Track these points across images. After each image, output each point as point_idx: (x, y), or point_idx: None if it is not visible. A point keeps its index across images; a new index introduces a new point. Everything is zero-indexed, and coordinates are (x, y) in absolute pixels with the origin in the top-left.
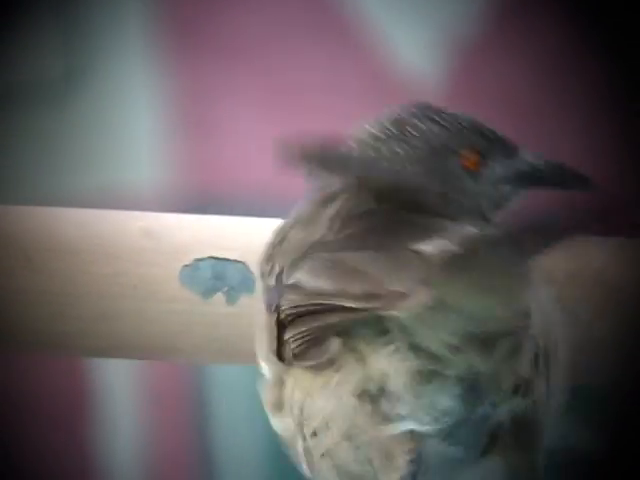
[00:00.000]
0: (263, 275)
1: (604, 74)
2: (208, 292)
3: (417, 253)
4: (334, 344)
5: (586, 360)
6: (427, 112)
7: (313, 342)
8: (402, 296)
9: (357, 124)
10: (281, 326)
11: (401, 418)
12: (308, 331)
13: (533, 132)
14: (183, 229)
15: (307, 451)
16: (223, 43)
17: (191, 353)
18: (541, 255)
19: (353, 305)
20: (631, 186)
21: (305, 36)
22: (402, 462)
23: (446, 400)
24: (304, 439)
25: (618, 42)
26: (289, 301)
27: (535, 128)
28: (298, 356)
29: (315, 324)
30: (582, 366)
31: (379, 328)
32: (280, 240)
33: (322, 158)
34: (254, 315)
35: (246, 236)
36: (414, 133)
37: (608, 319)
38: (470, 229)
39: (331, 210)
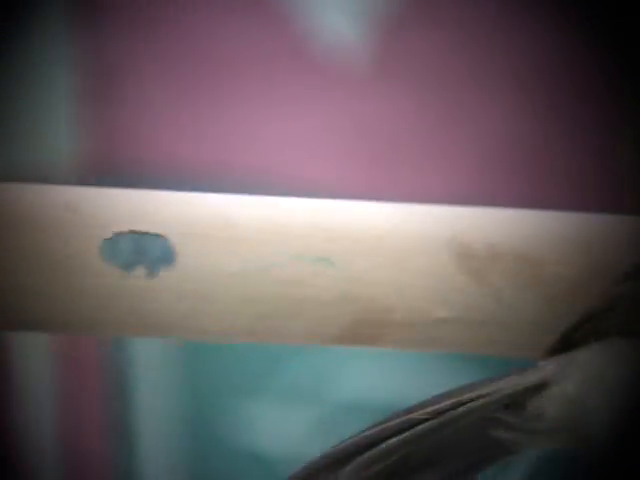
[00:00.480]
0: None
1: (530, 45)
2: (128, 266)
3: None
4: None
5: (509, 336)
6: None
7: None
8: None
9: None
10: None
11: None
12: None
13: (458, 102)
14: (103, 203)
15: None
16: (136, 14)
17: (112, 327)
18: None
19: None
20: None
21: (219, 5)
22: None
23: None
24: None
25: (542, 17)
26: None
27: (460, 97)
28: None
29: None
30: (505, 341)
31: None
32: None
33: None
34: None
35: (166, 210)
36: None
37: (530, 295)
38: None
39: None
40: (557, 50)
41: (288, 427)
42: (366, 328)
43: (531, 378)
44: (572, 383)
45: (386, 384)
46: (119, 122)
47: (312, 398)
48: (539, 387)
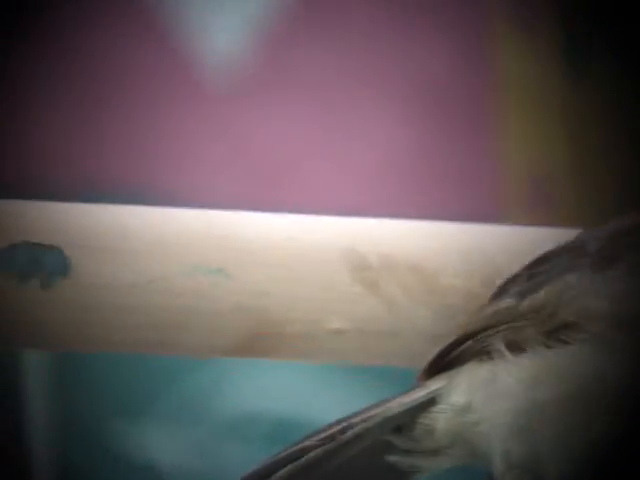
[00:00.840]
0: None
1: (418, 59)
2: (23, 277)
3: None
4: None
5: (404, 346)
6: None
7: None
8: None
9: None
10: None
11: None
12: None
13: (343, 115)
14: None
15: None
16: (37, 33)
17: (6, 338)
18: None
19: None
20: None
21: (107, 23)
22: None
23: None
24: None
25: (423, 29)
26: None
27: (343, 110)
28: None
29: None
30: (400, 352)
31: None
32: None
33: None
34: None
35: (61, 221)
36: None
37: (425, 306)
38: None
39: None
40: (443, 63)
41: (178, 441)
42: (261, 340)
43: (418, 397)
44: (459, 394)
45: (282, 396)
46: (14, 137)
47: (203, 412)
48: (427, 405)
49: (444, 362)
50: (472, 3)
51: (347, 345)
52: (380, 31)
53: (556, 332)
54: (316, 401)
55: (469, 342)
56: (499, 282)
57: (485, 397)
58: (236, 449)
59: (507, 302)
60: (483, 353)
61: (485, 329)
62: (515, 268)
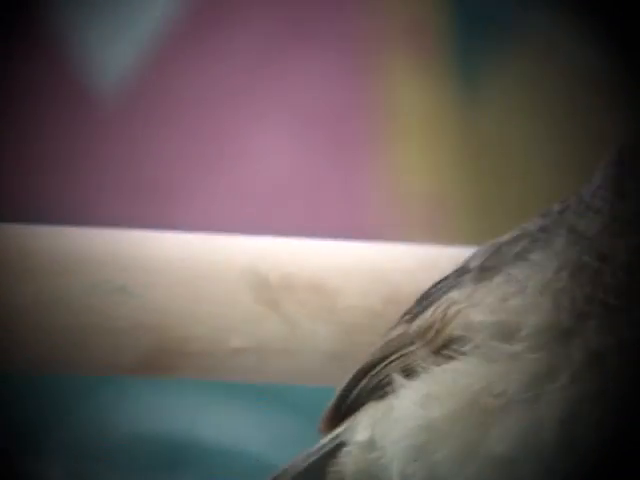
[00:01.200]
0: None
1: (308, 80)
2: None
3: None
4: None
5: (304, 365)
6: None
7: None
8: None
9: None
10: None
11: None
12: None
13: (234, 134)
14: None
15: None
16: None
17: None
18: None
19: None
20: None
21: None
22: None
23: None
24: None
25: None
26: None
27: (233, 129)
28: None
29: None
30: (300, 371)
31: None
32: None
33: None
34: None
35: None
36: None
37: (325, 324)
38: None
39: None
40: (331, 86)
41: (79, 461)
42: (162, 358)
43: (323, 446)
44: (361, 431)
45: (183, 415)
46: None
47: (106, 430)
48: (334, 452)
49: (345, 408)
50: (357, 24)
51: (248, 364)
52: (268, 52)
53: (444, 348)
54: (208, 420)
55: (364, 380)
56: (398, 301)
57: (385, 427)
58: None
59: (398, 329)
60: (380, 389)
61: (381, 361)
62: (413, 286)
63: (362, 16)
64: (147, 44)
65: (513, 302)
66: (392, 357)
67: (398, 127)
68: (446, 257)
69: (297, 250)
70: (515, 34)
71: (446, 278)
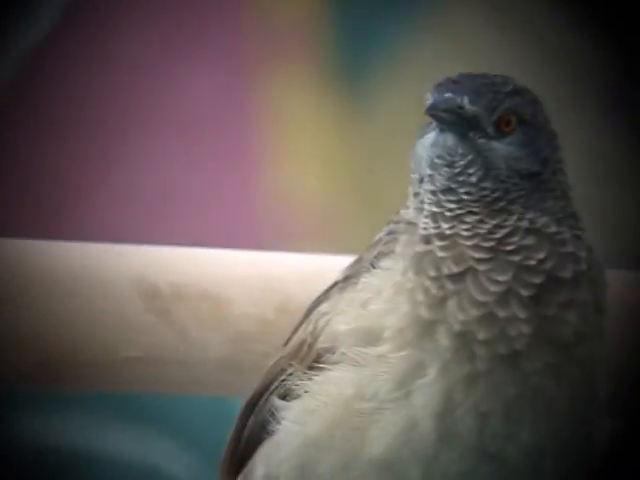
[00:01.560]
0: None
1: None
2: None
3: None
4: None
5: (195, 374)
6: None
7: None
8: None
9: None
10: None
11: None
12: None
13: (117, 148)
14: None
15: None
16: None
17: None
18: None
19: None
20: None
21: None
22: None
23: None
24: None
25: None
26: None
27: (117, 143)
28: None
29: None
30: (191, 380)
31: None
32: None
33: None
34: None
35: None
36: None
37: (217, 333)
38: None
39: None
40: (208, 95)
41: None
42: (51, 369)
43: None
44: (259, 466)
45: (75, 428)
46: None
47: None
48: None
49: (240, 453)
50: (244, 41)
51: (138, 373)
52: (156, 66)
53: (317, 362)
54: (101, 432)
55: (252, 418)
56: (289, 309)
57: (274, 455)
58: None
59: (274, 357)
60: (268, 422)
61: (262, 393)
62: (305, 295)
63: (249, 33)
64: (24, 57)
65: (372, 307)
66: (272, 386)
67: (288, 139)
68: (336, 266)
69: (188, 259)
70: (400, 47)
71: (323, 292)
